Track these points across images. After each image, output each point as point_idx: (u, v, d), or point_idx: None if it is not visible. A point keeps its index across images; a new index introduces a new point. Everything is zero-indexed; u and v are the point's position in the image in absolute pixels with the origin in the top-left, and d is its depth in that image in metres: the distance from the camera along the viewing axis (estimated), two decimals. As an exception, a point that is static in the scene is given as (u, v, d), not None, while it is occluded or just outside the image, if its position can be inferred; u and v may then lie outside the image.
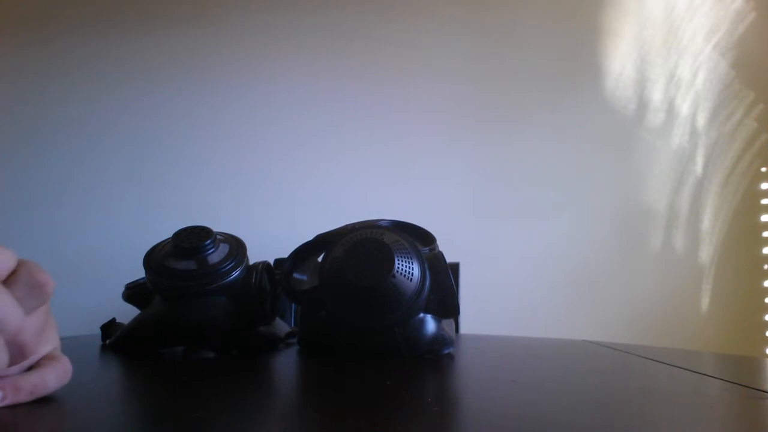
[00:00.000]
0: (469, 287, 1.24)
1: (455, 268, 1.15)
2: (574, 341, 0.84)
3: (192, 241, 0.61)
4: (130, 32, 1.52)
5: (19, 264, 0.29)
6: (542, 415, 0.30)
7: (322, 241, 0.62)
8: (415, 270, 0.54)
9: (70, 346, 0.65)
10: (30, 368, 0.31)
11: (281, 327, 0.69)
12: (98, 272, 1.43)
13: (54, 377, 0.32)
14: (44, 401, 0.31)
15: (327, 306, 0.56)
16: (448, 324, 0.59)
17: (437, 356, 0.56)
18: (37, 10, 1.53)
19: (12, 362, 0.30)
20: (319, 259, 0.62)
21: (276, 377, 0.50)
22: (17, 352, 0.29)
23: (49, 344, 0.33)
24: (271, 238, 1.36)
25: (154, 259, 0.61)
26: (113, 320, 0.70)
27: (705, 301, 1.43)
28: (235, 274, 0.61)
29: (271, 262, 0.68)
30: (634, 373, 0.51)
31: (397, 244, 0.54)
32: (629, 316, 1.43)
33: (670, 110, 1.48)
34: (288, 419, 0.31)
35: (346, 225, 0.64)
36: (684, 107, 1.48)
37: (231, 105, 1.51)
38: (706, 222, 1.45)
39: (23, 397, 0.30)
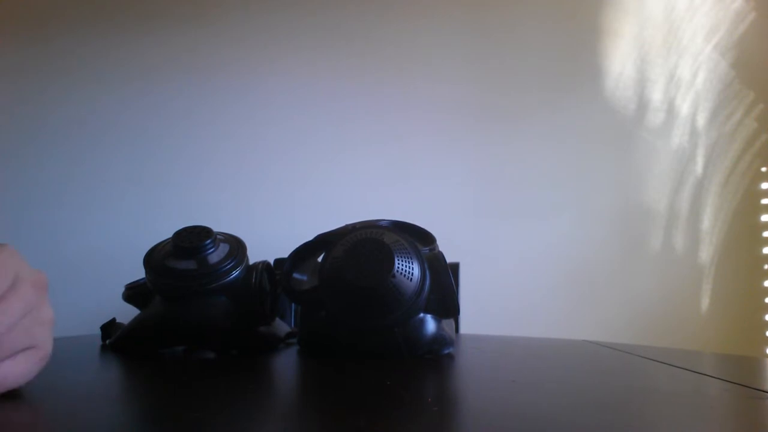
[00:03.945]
0: (469, 287, 1.24)
1: (455, 268, 1.15)
2: (574, 341, 0.84)
3: (192, 240, 0.61)
4: (130, 32, 1.52)
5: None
6: (542, 415, 0.30)
7: (322, 241, 0.62)
8: (415, 270, 0.54)
9: (70, 346, 0.65)
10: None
11: (281, 327, 0.69)
12: (98, 272, 1.43)
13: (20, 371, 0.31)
14: (43, 401, 0.31)
15: (327, 306, 0.56)
16: (448, 324, 0.59)
17: (437, 356, 0.56)
18: (37, 10, 1.53)
19: None
20: (319, 259, 0.62)
21: (276, 377, 0.50)
22: None
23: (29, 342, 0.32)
24: (271, 238, 1.36)
25: (154, 259, 0.61)
26: (113, 320, 0.70)
27: (705, 301, 1.43)
28: (235, 273, 0.61)
29: (271, 262, 0.68)
30: (634, 373, 0.51)
31: (397, 244, 0.54)
32: (629, 316, 1.43)
33: (670, 110, 1.48)
34: (288, 419, 0.31)
35: (347, 225, 0.64)
36: (684, 107, 1.48)
37: (231, 105, 1.51)
38: (706, 222, 1.45)
39: None
